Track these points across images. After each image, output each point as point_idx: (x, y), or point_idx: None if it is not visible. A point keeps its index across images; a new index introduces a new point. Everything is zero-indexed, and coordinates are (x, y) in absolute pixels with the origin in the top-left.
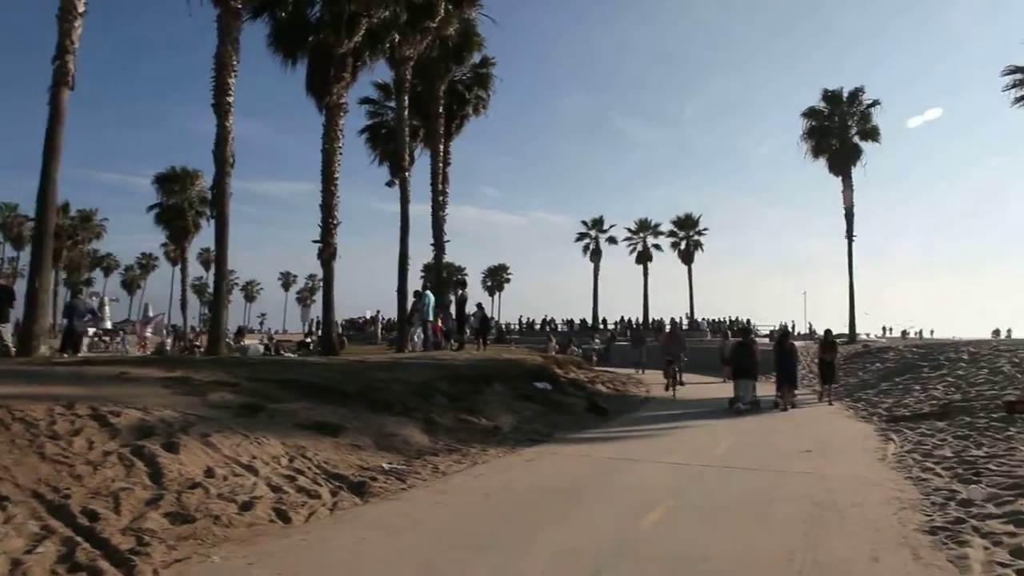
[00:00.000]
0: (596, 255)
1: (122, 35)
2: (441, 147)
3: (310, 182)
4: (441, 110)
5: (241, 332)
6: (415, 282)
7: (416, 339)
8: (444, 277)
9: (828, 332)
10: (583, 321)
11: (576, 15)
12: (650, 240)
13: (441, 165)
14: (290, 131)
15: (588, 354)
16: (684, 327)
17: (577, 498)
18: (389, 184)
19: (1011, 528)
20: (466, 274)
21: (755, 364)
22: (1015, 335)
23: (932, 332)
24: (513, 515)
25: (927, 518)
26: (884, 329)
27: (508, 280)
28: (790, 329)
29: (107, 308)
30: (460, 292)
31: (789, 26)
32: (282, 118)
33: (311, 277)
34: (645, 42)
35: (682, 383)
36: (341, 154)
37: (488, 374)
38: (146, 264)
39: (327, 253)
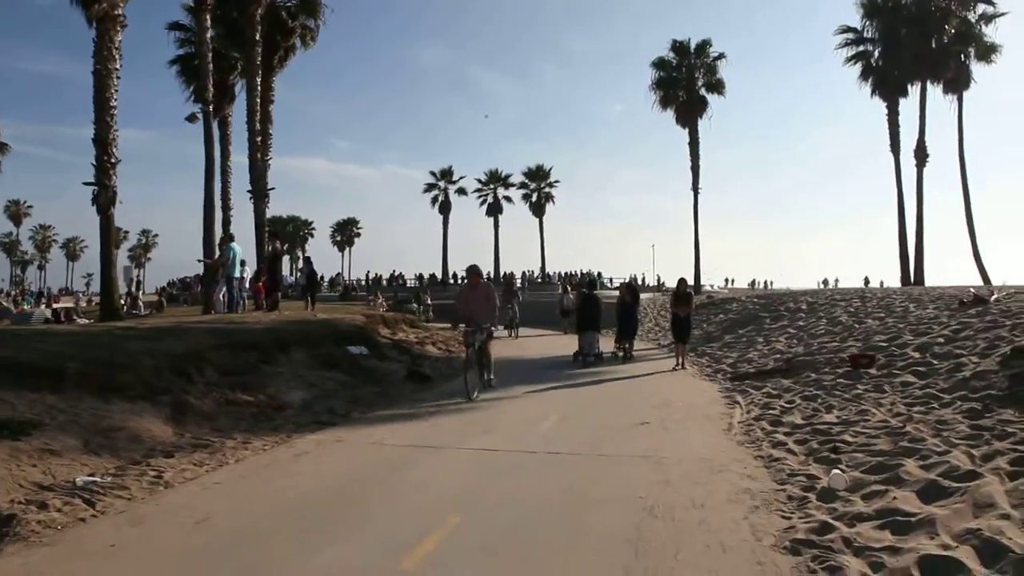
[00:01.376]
0: (445, 207)
1: None
2: (259, 80)
3: (155, 129)
4: (258, 37)
5: (42, 295)
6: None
7: (221, 298)
8: (271, 231)
9: (682, 282)
10: (432, 276)
11: None
12: (501, 192)
13: (259, 102)
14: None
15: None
16: (537, 280)
17: (332, 518)
18: (190, 119)
19: (889, 537)
20: (314, 228)
21: (599, 316)
22: (841, 285)
23: (772, 283)
24: (215, 563)
25: (786, 523)
26: (726, 280)
27: (359, 235)
28: (638, 282)
29: None
30: (272, 245)
31: None
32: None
33: (145, 233)
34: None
35: (490, 381)
36: (119, 78)
37: (288, 339)
38: None
39: (104, 198)
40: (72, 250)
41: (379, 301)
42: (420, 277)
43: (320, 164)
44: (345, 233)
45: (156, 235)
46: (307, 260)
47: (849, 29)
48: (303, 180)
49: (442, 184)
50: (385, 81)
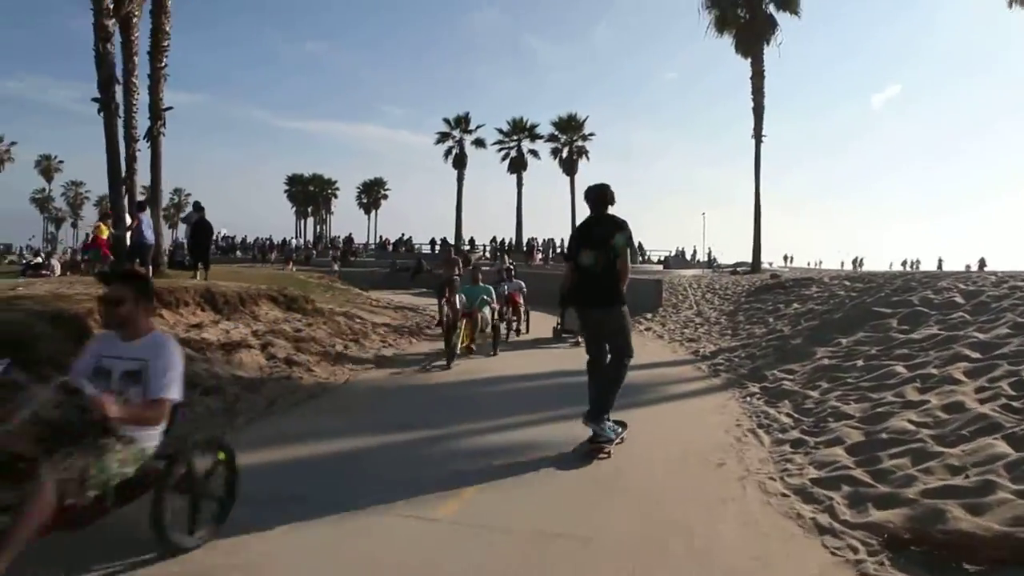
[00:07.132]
0: (460, 161)
1: None
2: None
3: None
4: None
5: None
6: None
7: None
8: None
9: None
10: (444, 240)
11: None
12: (526, 145)
13: None
14: None
15: None
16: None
17: None
18: None
19: None
20: (338, 188)
21: None
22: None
23: (861, 262)
24: None
25: None
26: (785, 258)
27: (386, 196)
28: (686, 257)
29: None
30: None
31: None
32: None
33: (177, 191)
34: None
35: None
36: None
37: None
38: None
39: None
40: (105, 208)
41: (289, 266)
42: (433, 242)
43: (373, 130)
44: (372, 195)
45: (189, 194)
46: (195, 205)
47: None
48: (351, 146)
49: (457, 134)
50: (436, 46)
